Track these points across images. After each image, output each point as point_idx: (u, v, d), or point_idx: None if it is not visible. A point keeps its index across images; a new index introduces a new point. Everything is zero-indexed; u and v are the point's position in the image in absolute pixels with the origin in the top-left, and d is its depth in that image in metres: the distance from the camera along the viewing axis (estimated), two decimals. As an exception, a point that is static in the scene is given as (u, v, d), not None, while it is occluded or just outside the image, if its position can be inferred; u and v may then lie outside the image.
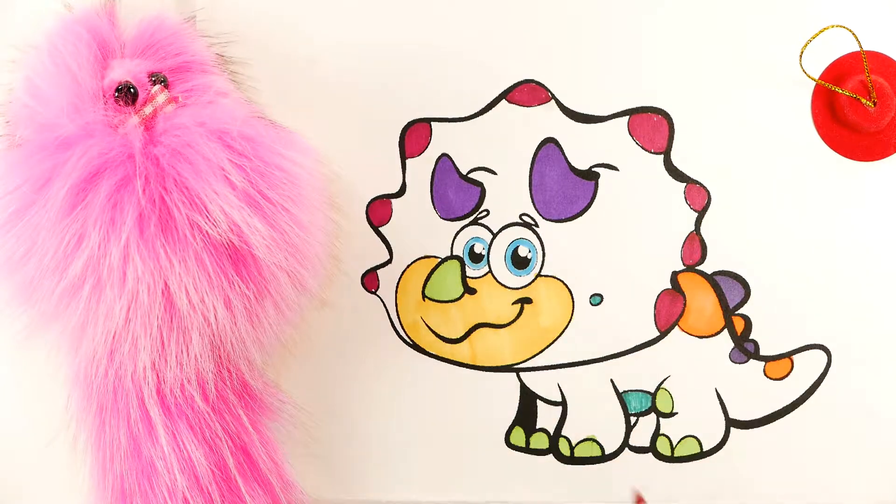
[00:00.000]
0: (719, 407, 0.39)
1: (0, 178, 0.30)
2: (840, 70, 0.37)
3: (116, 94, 0.31)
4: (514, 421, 0.40)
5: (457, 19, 0.37)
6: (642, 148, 0.38)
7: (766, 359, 0.38)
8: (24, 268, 0.30)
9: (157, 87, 0.32)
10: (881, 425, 0.39)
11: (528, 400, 0.40)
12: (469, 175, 0.38)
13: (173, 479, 0.33)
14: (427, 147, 0.38)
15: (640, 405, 0.39)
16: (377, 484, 0.41)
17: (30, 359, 0.36)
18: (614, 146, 0.38)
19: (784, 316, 0.38)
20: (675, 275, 0.38)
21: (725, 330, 0.38)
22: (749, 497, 0.39)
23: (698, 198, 0.38)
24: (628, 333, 0.39)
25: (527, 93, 0.38)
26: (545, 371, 0.39)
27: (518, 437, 0.40)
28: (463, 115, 0.38)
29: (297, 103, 0.37)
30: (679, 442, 0.39)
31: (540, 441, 0.40)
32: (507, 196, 0.38)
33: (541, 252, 0.38)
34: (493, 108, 0.38)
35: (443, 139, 0.38)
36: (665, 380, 0.39)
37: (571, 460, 0.40)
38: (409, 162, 0.38)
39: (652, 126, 0.37)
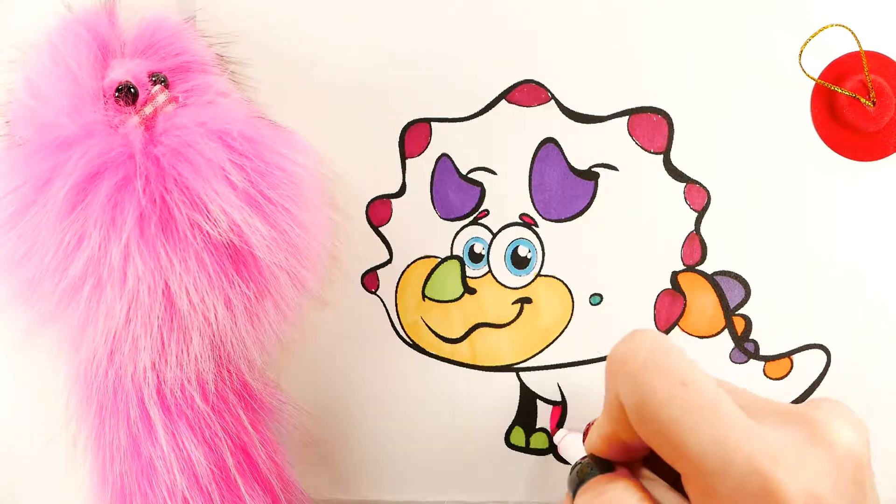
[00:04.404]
0: (719, 407, 0.39)
1: (0, 178, 0.30)
2: (839, 70, 0.37)
3: (117, 93, 0.31)
4: (514, 421, 0.40)
5: (456, 19, 0.37)
6: (642, 148, 0.38)
7: (766, 359, 0.39)
8: (25, 268, 0.30)
9: (158, 87, 0.32)
10: (881, 425, 0.39)
11: (528, 400, 0.40)
12: (469, 175, 0.38)
13: (173, 479, 0.33)
14: (427, 147, 0.38)
15: (640, 405, 0.39)
16: (377, 484, 0.41)
17: (30, 359, 0.36)
18: (614, 146, 0.38)
19: (784, 316, 0.38)
20: (675, 275, 0.38)
21: (726, 330, 0.38)
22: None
23: (698, 198, 0.38)
24: (628, 333, 0.39)
25: (526, 93, 0.38)
26: (545, 371, 0.39)
27: (518, 437, 0.40)
28: (463, 115, 0.38)
29: (297, 103, 0.37)
30: (679, 442, 0.39)
31: (540, 441, 0.40)
32: (507, 196, 0.38)
33: (540, 252, 0.38)
34: (493, 108, 0.38)
35: (443, 139, 0.38)
36: (665, 380, 0.39)
37: (571, 460, 0.40)
38: (409, 162, 0.38)
39: (651, 126, 0.37)
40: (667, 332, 0.39)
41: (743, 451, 0.20)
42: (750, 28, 0.37)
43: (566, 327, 0.39)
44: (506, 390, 0.40)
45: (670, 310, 0.38)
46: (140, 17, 0.34)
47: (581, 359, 0.39)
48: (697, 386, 0.22)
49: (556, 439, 0.39)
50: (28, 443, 0.39)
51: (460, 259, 0.39)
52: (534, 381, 0.39)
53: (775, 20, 0.37)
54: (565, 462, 0.39)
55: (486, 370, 0.39)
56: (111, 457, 0.33)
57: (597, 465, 0.26)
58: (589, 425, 0.39)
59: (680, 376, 0.22)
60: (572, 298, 0.39)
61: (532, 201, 0.38)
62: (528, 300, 0.39)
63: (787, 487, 0.20)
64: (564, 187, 0.38)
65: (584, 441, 0.34)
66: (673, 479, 0.24)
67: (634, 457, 0.26)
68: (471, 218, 0.38)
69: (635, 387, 0.22)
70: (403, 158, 0.38)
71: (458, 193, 0.38)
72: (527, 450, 0.40)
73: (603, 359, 0.39)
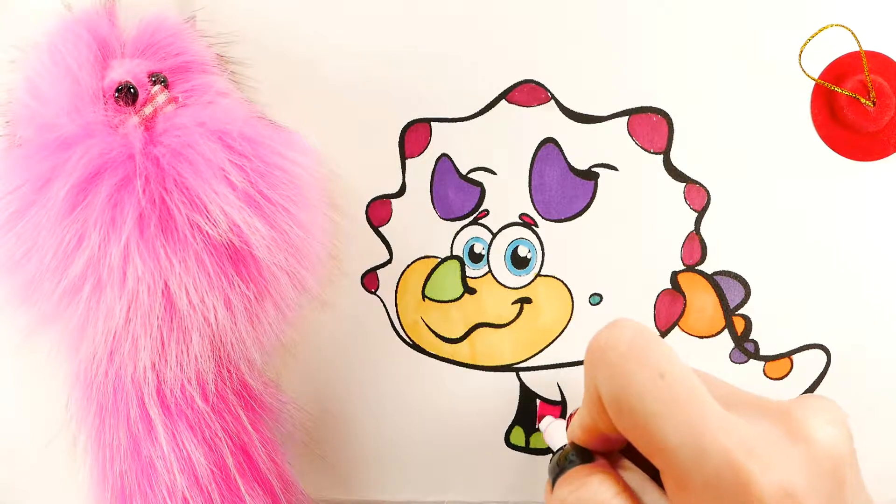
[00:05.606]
0: (719, 407, 0.39)
1: (0, 178, 0.30)
2: (839, 70, 0.37)
3: (116, 94, 0.31)
4: (513, 420, 0.40)
5: (456, 19, 0.37)
6: (642, 148, 0.38)
7: (766, 359, 0.39)
8: (24, 268, 0.30)
9: (158, 87, 0.32)
10: (881, 425, 0.39)
11: (528, 399, 0.40)
12: (469, 175, 0.38)
13: (173, 479, 0.33)
14: (427, 147, 0.38)
15: (640, 405, 0.39)
16: (377, 484, 0.41)
17: (30, 359, 0.36)
18: (614, 146, 0.38)
19: (784, 316, 0.38)
20: (675, 275, 0.38)
21: (726, 330, 0.38)
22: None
23: (698, 198, 0.38)
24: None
25: (526, 93, 0.38)
26: (545, 371, 0.39)
27: (518, 436, 0.40)
28: (463, 115, 0.38)
29: (297, 103, 0.37)
30: (679, 442, 0.39)
31: (540, 441, 0.40)
32: (507, 196, 0.38)
33: (540, 252, 0.38)
34: (493, 108, 0.38)
35: (443, 139, 0.38)
36: (665, 380, 0.39)
37: (571, 460, 0.40)
38: (408, 162, 0.38)
39: (651, 126, 0.37)
40: (667, 332, 0.39)
41: (717, 443, 0.20)
42: (750, 28, 0.37)
43: (566, 327, 0.39)
44: (506, 390, 0.40)
45: (670, 310, 0.38)
46: (140, 17, 0.34)
47: (581, 359, 0.39)
48: (675, 378, 0.21)
49: (541, 426, 0.39)
50: (28, 443, 0.39)
51: (460, 259, 0.39)
52: (534, 381, 0.39)
53: (775, 20, 0.37)
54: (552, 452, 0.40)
55: (486, 370, 0.39)
56: (111, 457, 0.33)
57: (577, 455, 0.26)
58: (573, 414, 0.39)
59: (658, 368, 0.22)
60: (572, 298, 0.39)
61: (532, 201, 0.38)
62: (528, 300, 0.39)
63: (760, 481, 0.20)
64: (564, 187, 0.38)
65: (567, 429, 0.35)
66: (653, 470, 0.24)
67: (614, 447, 0.26)
68: (471, 218, 0.38)
69: (614, 378, 0.22)
70: (403, 158, 0.38)
71: (458, 193, 0.38)
72: (527, 450, 0.40)
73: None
